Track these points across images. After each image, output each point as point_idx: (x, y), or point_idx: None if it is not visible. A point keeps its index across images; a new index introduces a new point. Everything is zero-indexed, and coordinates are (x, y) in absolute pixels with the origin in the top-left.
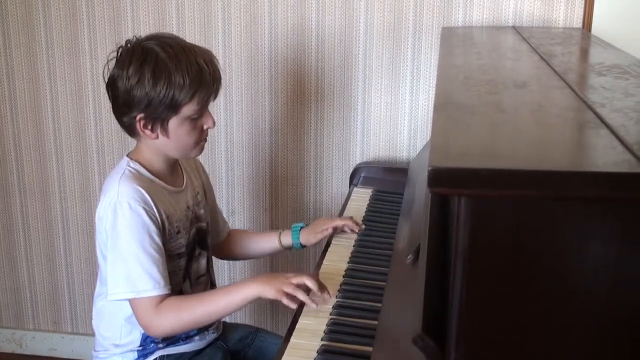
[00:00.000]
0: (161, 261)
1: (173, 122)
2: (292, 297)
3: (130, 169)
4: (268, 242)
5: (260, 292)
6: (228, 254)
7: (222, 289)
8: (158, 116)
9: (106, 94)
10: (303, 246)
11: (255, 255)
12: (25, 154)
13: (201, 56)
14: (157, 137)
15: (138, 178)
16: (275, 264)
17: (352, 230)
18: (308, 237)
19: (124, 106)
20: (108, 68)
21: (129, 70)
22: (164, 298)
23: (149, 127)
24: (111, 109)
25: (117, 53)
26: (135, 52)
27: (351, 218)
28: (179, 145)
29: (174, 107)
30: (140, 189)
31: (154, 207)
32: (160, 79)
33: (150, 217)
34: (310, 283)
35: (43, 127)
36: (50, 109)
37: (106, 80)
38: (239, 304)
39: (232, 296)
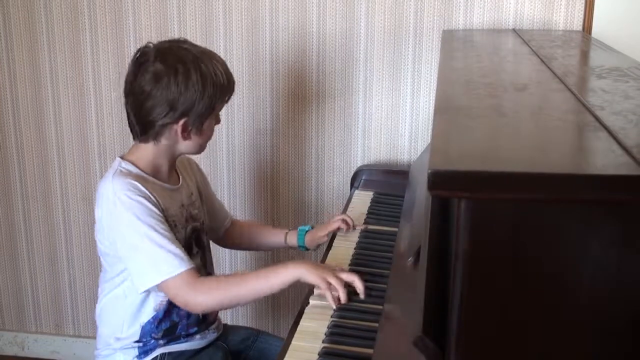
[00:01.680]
0: (175, 239)
1: (207, 122)
2: (333, 290)
3: (121, 168)
4: (274, 239)
5: (301, 275)
6: (233, 244)
7: (263, 270)
8: (201, 117)
9: (108, 99)
10: (307, 249)
11: (259, 248)
12: (27, 158)
13: (215, 56)
14: (190, 138)
15: (130, 175)
16: (276, 263)
17: (350, 227)
18: (311, 241)
19: (163, 112)
20: (135, 78)
21: (177, 77)
22: (194, 272)
23: (188, 129)
24: (115, 110)
25: (137, 62)
26: (168, 58)
27: (346, 218)
28: (200, 143)
29: (213, 107)
30: (133, 181)
31: (150, 195)
32: (207, 81)
33: (152, 203)
34: (359, 285)
35: (45, 130)
36: (53, 112)
37: (131, 96)
38: (280, 286)
39: (272, 279)
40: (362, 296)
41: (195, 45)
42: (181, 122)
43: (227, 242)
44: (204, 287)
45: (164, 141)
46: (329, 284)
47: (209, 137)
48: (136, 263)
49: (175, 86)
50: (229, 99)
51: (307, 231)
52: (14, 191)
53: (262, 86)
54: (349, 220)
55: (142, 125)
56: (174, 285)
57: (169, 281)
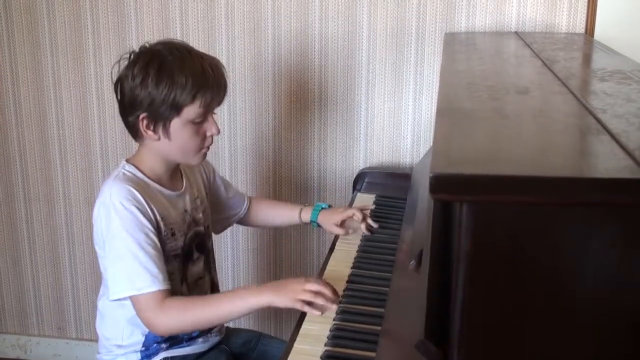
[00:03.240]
0: (158, 257)
1: (175, 124)
2: (309, 303)
3: (125, 171)
4: (288, 214)
5: (271, 301)
6: (250, 222)
7: (229, 293)
8: (160, 116)
9: (110, 101)
10: (319, 226)
11: (274, 225)
12: (29, 161)
13: (207, 61)
14: (159, 138)
15: (131, 180)
16: (279, 267)
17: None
18: (326, 221)
19: (128, 106)
20: (119, 68)
21: (134, 70)
22: (165, 294)
23: (152, 127)
24: (117, 112)
25: (130, 56)
26: (143, 54)
27: (364, 213)
28: (180, 149)
29: (175, 108)
30: (132, 189)
31: (146, 206)
32: (163, 78)
33: (144, 215)
34: (327, 291)
35: (48, 133)
36: (55, 115)
37: (114, 81)
38: (245, 312)
39: (238, 303)
40: (332, 299)
41: (183, 48)
42: (141, 116)
43: (247, 221)
44: (169, 309)
45: (145, 141)
46: (303, 301)
47: (186, 145)
48: (114, 272)
49: (132, 80)
50: (206, 104)
51: (322, 208)
52: (16, 194)
53: (265, 89)
54: (360, 214)
55: (123, 121)
56: (142, 302)
57: (138, 297)
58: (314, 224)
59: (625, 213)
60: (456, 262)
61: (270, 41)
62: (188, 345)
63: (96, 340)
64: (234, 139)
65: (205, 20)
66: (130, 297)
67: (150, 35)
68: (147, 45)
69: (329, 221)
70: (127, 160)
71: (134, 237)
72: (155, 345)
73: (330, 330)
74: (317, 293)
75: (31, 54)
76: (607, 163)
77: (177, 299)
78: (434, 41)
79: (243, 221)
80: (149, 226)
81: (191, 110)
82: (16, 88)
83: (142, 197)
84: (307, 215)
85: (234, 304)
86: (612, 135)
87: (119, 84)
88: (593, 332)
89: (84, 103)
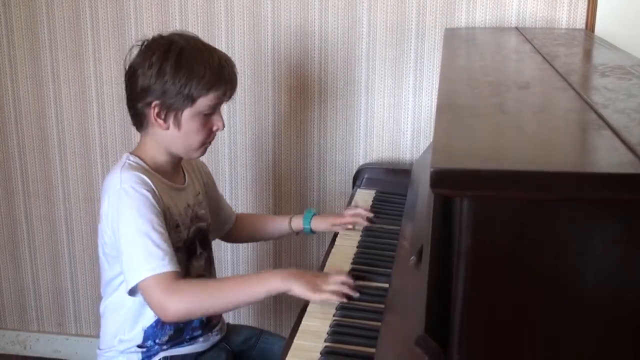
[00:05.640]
0: (168, 238)
1: (187, 114)
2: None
3: (130, 162)
4: (278, 225)
5: (289, 288)
6: (237, 238)
7: (246, 277)
8: (173, 105)
9: (110, 97)
10: (313, 232)
11: (263, 238)
12: (29, 157)
13: (222, 56)
14: (168, 127)
15: (139, 168)
16: (279, 264)
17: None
18: (319, 223)
19: (141, 92)
20: (130, 56)
21: (152, 58)
22: (176, 276)
23: (163, 116)
24: (117, 109)
25: (142, 45)
26: (159, 42)
27: (358, 212)
28: (186, 141)
29: (190, 98)
30: (141, 174)
31: (156, 191)
32: (182, 67)
33: (156, 200)
34: (349, 290)
35: (47, 130)
36: (54, 112)
37: (126, 68)
38: (263, 297)
39: (255, 288)
40: (354, 295)
41: (198, 40)
42: (154, 103)
43: (232, 237)
44: (180, 292)
45: (150, 130)
46: (322, 293)
47: (195, 137)
48: (129, 256)
49: (148, 68)
50: (218, 97)
51: (313, 214)
52: (15, 190)
53: (264, 84)
54: (364, 213)
55: (130, 108)
56: (152, 285)
57: (149, 279)
58: (307, 229)
59: (627, 208)
60: (456, 258)
61: (269, 37)
62: (189, 345)
63: (96, 337)
64: (233, 135)
65: (205, 16)
66: (140, 282)
67: (150, 32)
68: (162, 35)
69: (325, 221)
70: (130, 153)
71: (147, 218)
72: (156, 347)
73: (330, 326)
74: (342, 284)
75: (30, 50)
76: (609, 158)
77: (189, 281)
78: (434, 36)
79: (228, 237)
80: (160, 211)
81: (204, 102)
82: (15, 84)
83: (151, 183)
84: (298, 223)
85: (249, 290)
86: (614, 131)
87: (133, 71)
88: (595, 329)
89: (84, 99)
